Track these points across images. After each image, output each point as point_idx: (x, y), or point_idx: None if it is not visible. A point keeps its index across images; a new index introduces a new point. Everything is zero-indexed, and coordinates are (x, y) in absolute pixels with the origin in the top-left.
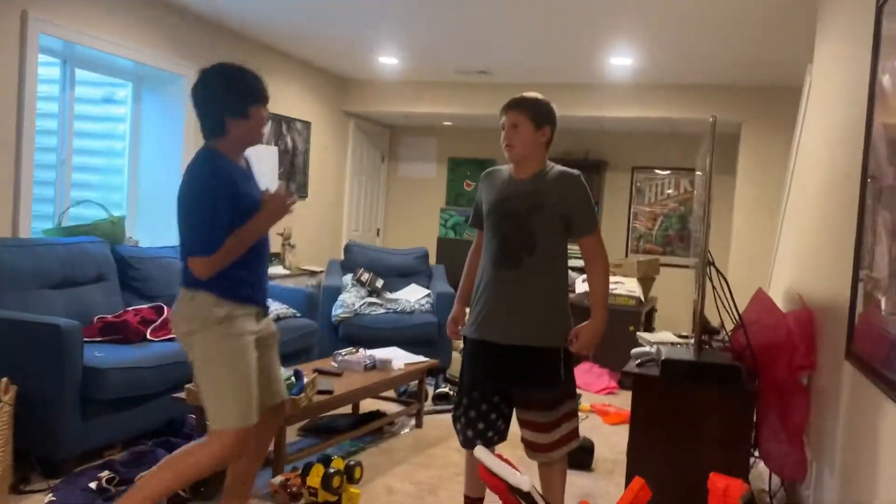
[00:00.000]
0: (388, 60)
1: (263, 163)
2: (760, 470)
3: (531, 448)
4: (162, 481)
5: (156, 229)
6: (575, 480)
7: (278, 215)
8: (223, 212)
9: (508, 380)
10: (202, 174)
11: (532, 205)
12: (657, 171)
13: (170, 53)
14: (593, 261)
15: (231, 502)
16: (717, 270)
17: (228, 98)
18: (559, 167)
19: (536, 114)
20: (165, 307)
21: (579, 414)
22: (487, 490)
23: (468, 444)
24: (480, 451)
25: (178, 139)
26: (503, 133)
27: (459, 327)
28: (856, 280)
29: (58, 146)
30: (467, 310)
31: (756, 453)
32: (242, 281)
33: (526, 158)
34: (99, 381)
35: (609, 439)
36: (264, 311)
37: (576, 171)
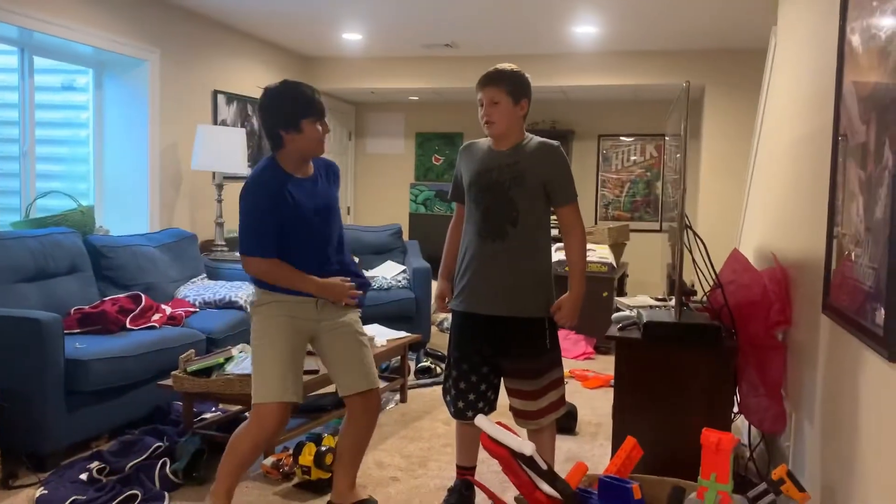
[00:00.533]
0: (352, 36)
1: (230, 145)
2: (739, 424)
3: (520, 416)
4: (232, 465)
5: (125, 217)
6: (560, 444)
7: (329, 296)
8: (263, 215)
9: (496, 350)
10: (248, 181)
11: (513, 176)
12: (623, 138)
13: (131, 38)
14: (570, 232)
15: (341, 475)
16: (695, 232)
17: (281, 114)
18: (538, 138)
19: (514, 88)
20: (143, 295)
21: None
22: (478, 459)
23: (459, 415)
24: (481, 420)
25: (143, 125)
26: (481, 109)
27: (446, 301)
28: (830, 236)
29: (19, 137)
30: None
31: (736, 409)
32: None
33: (506, 133)
34: (82, 372)
35: (590, 403)
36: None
37: (555, 142)
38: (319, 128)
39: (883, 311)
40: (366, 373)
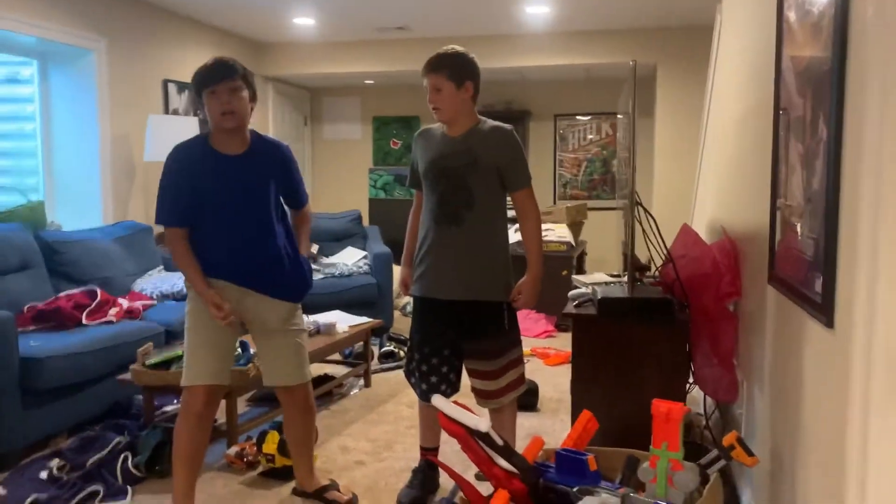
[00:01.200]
0: (304, 21)
1: (183, 134)
2: (695, 395)
3: (481, 396)
4: (179, 460)
5: (77, 211)
6: (522, 422)
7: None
8: (168, 182)
9: (455, 333)
10: (168, 154)
11: (467, 162)
12: (578, 117)
13: (75, 27)
14: (526, 216)
15: (297, 464)
16: (645, 209)
17: (196, 94)
18: (491, 122)
19: (456, 72)
20: (98, 290)
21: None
22: (441, 440)
23: (424, 397)
24: (438, 400)
25: (92, 116)
26: (428, 95)
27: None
28: (773, 208)
29: None
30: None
31: (691, 380)
32: (205, 258)
33: (455, 118)
34: (38, 370)
35: (552, 380)
36: (252, 289)
37: (508, 126)
38: (216, 99)
39: (821, 279)
40: (288, 367)
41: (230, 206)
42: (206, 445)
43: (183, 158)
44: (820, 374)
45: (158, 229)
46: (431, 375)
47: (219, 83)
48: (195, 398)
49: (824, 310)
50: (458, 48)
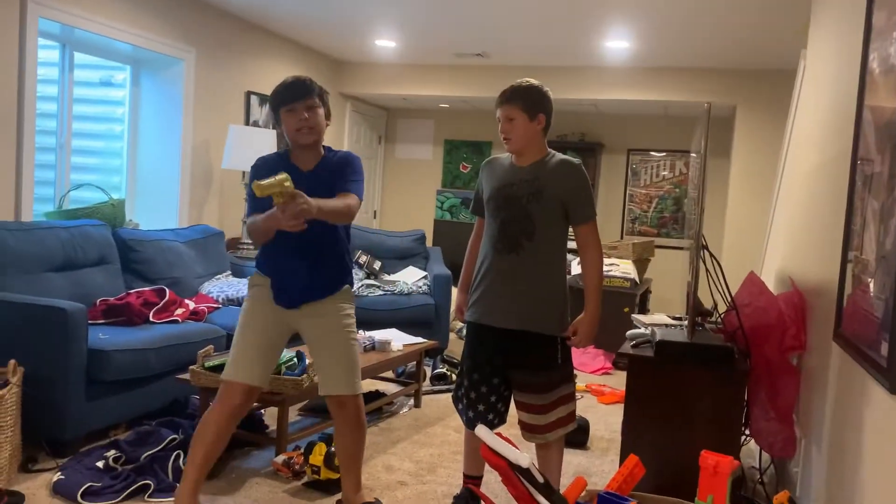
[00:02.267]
0: (386, 43)
1: (260, 145)
2: (751, 447)
3: (527, 429)
4: (198, 452)
5: (155, 212)
6: (571, 459)
7: (281, 224)
8: (252, 195)
9: (507, 362)
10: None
11: (531, 191)
12: (652, 153)
13: (168, 37)
14: (587, 250)
15: (344, 478)
16: (710, 253)
17: (272, 111)
18: (560, 155)
19: (529, 104)
20: (167, 290)
21: (577, 394)
22: (486, 469)
23: (469, 425)
24: (482, 430)
25: (176, 122)
26: (500, 125)
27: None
28: (844, 262)
29: (57, 129)
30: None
31: (747, 431)
32: (265, 258)
33: (524, 149)
34: (104, 362)
35: (604, 419)
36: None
37: (576, 160)
38: (294, 116)
39: (889, 342)
40: (342, 377)
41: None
42: (227, 441)
43: (262, 170)
44: (881, 439)
45: (230, 235)
46: (479, 403)
47: (297, 101)
48: (233, 394)
49: (889, 375)
50: (534, 81)
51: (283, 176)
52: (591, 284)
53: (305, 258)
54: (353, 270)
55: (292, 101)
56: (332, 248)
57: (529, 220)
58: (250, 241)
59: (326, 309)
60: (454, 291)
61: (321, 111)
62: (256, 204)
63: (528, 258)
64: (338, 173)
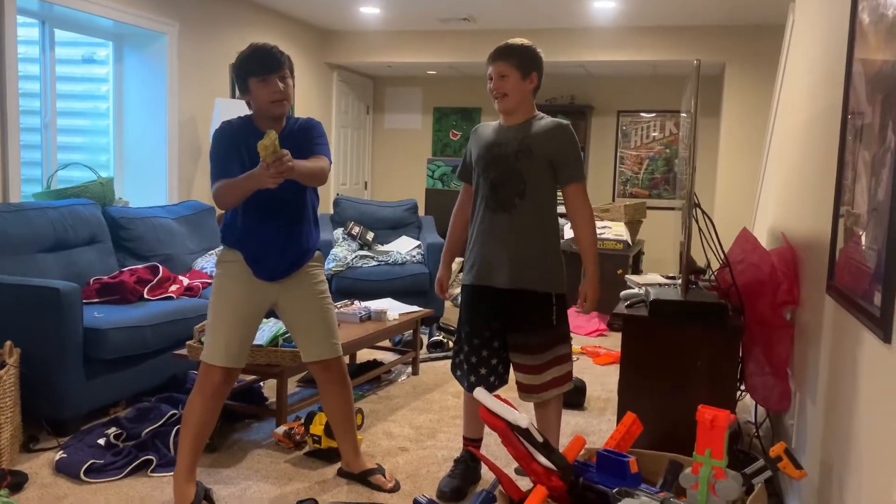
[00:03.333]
0: (370, 10)
1: None
2: (747, 402)
3: (522, 389)
4: (187, 436)
5: (144, 189)
6: (568, 419)
7: (262, 182)
8: (217, 153)
9: (503, 323)
10: (216, 129)
11: (520, 149)
12: (642, 114)
13: (150, 11)
14: (577, 213)
15: (341, 443)
16: (703, 212)
17: (236, 77)
18: (549, 117)
19: (523, 62)
20: (161, 266)
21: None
22: (486, 432)
23: (471, 389)
24: (480, 393)
25: (161, 98)
26: (490, 83)
27: (448, 291)
28: (836, 216)
29: (41, 109)
30: (454, 267)
31: (742, 387)
32: (235, 232)
33: (516, 107)
34: (100, 341)
35: (600, 379)
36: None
37: (565, 121)
38: (266, 87)
39: (881, 292)
40: (325, 341)
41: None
42: (216, 421)
43: (227, 136)
44: (875, 389)
45: (221, 210)
46: (481, 367)
47: (272, 73)
48: (212, 377)
49: (882, 324)
50: (526, 41)
51: (274, 135)
52: (586, 248)
53: (280, 225)
54: (347, 241)
55: (266, 72)
56: (303, 211)
57: (520, 178)
58: (219, 207)
59: (301, 277)
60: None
61: (291, 81)
62: (224, 168)
63: (521, 216)
64: (302, 138)
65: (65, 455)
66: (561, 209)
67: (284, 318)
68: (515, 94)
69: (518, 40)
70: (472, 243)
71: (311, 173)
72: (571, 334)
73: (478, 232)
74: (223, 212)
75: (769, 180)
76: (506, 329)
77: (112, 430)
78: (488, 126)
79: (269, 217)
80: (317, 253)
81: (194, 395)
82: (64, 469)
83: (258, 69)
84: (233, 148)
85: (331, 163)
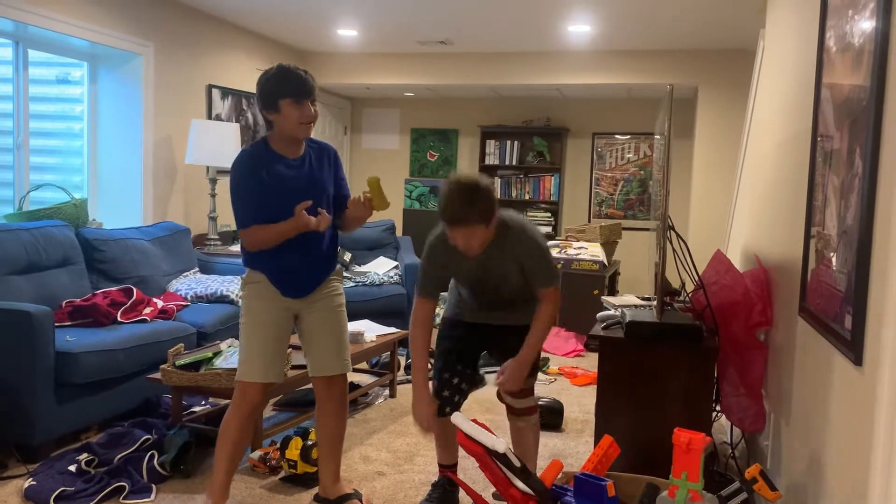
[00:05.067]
0: (347, 32)
1: (224, 139)
2: (722, 423)
3: (511, 412)
4: (224, 451)
5: (118, 210)
6: (546, 441)
7: (299, 229)
8: (240, 191)
9: (479, 350)
10: (235, 161)
11: (498, 281)
12: (617, 136)
13: (124, 32)
14: (544, 307)
15: (323, 467)
16: (677, 233)
17: (264, 95)
18: (510, 231)
19: (484, 215)
20: (134, 289)
21: (549, 377)
22: (461, 455)
23: (440, 414)
24: (457, 418)
25: (137, 119)
26: (456, 240)
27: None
28: (807, 238)
29: (13, 129)
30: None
31: (718, 408)
32: (261, 256)
33: (483, 247)
34: (72, 365)
35: (578, 400)
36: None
37: (523, 230)
38: (299, 109)
39: (852, 315)
40: (336, 356)
41: (292, 205)
42: (251, 438)
43: (250, 168)
44: (846, 411)
45: (196, 231)
46: (446, 391)
47: (307, 97)
48: (252, 394)
49: (853, 347)
50: (472, 179)
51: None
52: (533, 336)
53: (307, 249)
54: None
55: (302, 95)
56: (331, 235)
57: (502, 297)
58: (247, 248)
59: (324, 290)
60: None
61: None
62: (255, 210)
63: (509, 308)
64: (332, 170)
65: (34, 482)
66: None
67: (301, 330)
68: (483, 241)
69: (465, 188)
70: (456, 301)
71: (357, 220)
72: (550, 355)
73: (462, 298)
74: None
75: (742, 202)
76: (493, 356)
77: (84, 457)
78: (450, 253)
79: (296, 242)
80: (338, 266)
81: (231, 413)
82: (33, 497)
83: (295, 92)
84: (256, 181)
85: None
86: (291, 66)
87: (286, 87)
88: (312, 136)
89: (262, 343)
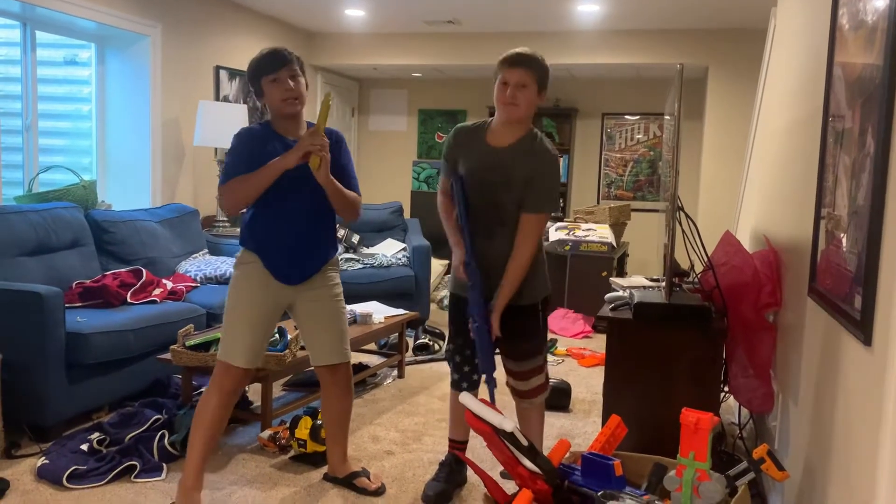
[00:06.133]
0: (355, 12)
1: (232, 121)
2: (730, 404)
3: (515, 394)
4: (199, 434)
5: (127, 192)
6: (554, 422)
7: (299, 155)
8: (235, 156)
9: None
10: (235, 133)
11: (502, 180)
12: (627, 116)
13: (133, 13)
14: (523, 242)
15: (331, 448)
16: (686, 214)
17: (250, 81)
18: (541, 140)
19: (542, 77)
20: (144, 270)
21: (557, 358)
22: (471, 434)
23: (455, 386)
24: (465, 397)
25: (145, 100)
26: (504, 89)
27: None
28: (818, 218)
29: (22, 111)
30: (440, 269)
31: (726, 388)
32: (255, 234)
33: (520, 121)
34: (83, 345)
35: (585, 381)
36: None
37: (553, 151)
38: (278, 86)
39: (862, 295)
40: (336, 346)
41: (289, 189)
42: (226, 421)
43: (247, 140)
44: (855, 391)
45: (205, 213)
46: (464, 366)
47: (280, 70)
48: (230, 377)
49: (863, 327)
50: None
51: (330, 97)
52: (510, 273)
53: (301, 230)
54: None
55: (275, 69)
56: (323, 217)
57: (500, 209)
58: (224, 207)
59: (319, 281)
60: (434, 262)
61: (302, 80)
62: (238, 169)
63: (503, 243)
64: (335, 156)
65: (47, 461)
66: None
67: (298, 320)
68: (527, 107)
69: (533, 52)
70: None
71: (344, 198)
72: (558, 336)
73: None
74: (242, 212)
75: (752, 183)
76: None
77: (95, 436)
78: (475, 137)
79: (290, 222)
80: (335, 256)
81: (209, 393)
82: (46, 475)
83: (268, 66)
84: (251, 154)
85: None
86: (269, 46)
87: (262, 65)
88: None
89: (245, 326)
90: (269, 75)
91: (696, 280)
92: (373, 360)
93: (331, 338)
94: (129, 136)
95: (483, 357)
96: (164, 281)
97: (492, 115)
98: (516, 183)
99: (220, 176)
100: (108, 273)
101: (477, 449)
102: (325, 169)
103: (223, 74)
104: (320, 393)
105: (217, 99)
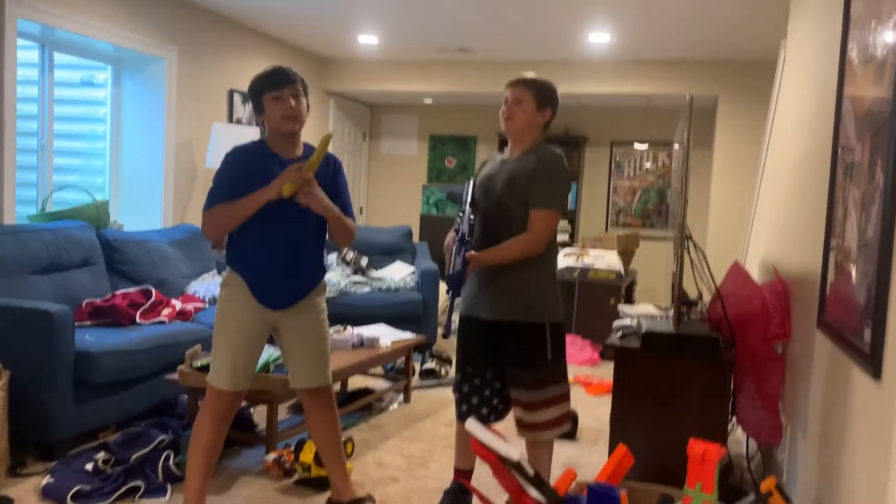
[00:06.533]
0: (368, 39)
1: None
2: (738, 435)
3: (519, 425)
4: (197, 458)
5: (139, 213)
6: (560, 450)
7: (282, 185)
8: (223, 178)
9: (496, 356)
10: (227, 152)
11: (507, 182)
12: (636, 145)
13: (149, 36)
14: (526, 233)
15: (330, 472)
16: (695, 243)
17: (251, 98)
18: (546, 146)
19: (540, 94)
20: (153, 290)
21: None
22: (477, 462)
23: (462, 417)
24: (471, 424)
25: (159, 122)
26: (504, 107)
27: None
28: (827, 250)
29: (38, 130)
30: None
31: (734, 420)
32: (241, 257)
33: (522, 134)
34: (91, 365)
35: (592, 409)
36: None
37: (554, 154)
38: (279, 104)
39: (871, 329)
40: (318, 369)
41: (276, 216)
42: (222, 442)
43: (240, 158)
44: (864, 425)
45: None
46: (473, 396)
47: (284, 87)
48: (221, 402)
49: (872, 360)
50: (544, 78)
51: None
52: (503, 248)
53: (287, 256)
54: (341, 267)
55: (278, 87)
56: (311, 244)
57: (507, 212)
58: (205, 233)
59: (305, 306)
60: (442, 286)
61: (304, 101)
62: (226, 193)
63: (504, 225)
64: (332, 182)
65: (52, 480)
66: (560, 236)
67: (281, 342)
68: (524, 120)
69: (536, 75)
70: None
71: (344, 226)
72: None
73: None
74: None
75: (761, 213)
76: (500, 360)
77: (100, 455)
78: (495, 158)
79: (277, 247)
80: (322, 281)
81: (202, 416)
82: (51, 494)
83: (272, 83)
84: (242, 172)
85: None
86: (272, 66)
87: (266, 81)
88: (330, 149)
89: (231, 350)
90: (271, 92)
91: (704, 310)
92: (379, 384)
93: (313, 361)
94: (143, 156)
95: (453, 275)
96: (173, 301)
97: (502, 140)
98: (520, 179)
99: (210, 195)
100: (117, 293)
101: (483, 477)
102: (316, 202)
103: (237, 97)
104: (305, 419)
105: (230, 121)
